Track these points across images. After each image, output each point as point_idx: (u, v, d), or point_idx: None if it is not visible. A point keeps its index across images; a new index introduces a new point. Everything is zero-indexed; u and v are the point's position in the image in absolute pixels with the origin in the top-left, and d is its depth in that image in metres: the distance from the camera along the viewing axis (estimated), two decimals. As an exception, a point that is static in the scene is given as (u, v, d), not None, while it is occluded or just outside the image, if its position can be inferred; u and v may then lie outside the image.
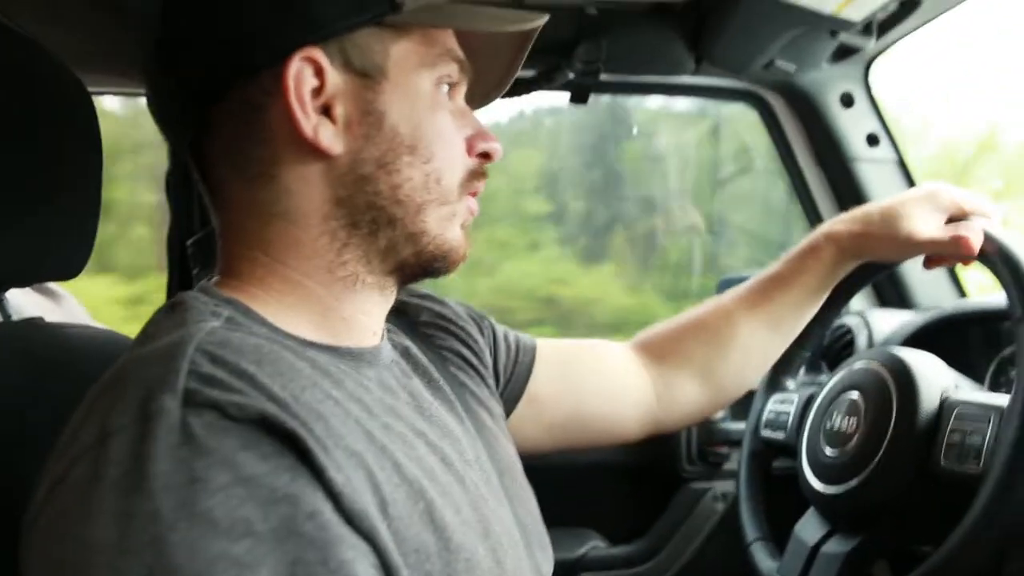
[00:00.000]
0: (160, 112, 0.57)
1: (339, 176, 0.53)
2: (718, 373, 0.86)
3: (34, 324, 0.75)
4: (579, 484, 1.29)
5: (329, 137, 0.52)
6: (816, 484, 0.85)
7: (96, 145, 0.74)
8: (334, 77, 0.52)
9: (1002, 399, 0.72)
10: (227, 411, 0.40)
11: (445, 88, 0.57)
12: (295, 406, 0.42)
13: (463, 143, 0.58)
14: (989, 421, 0.71)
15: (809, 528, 0.85)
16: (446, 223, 0.57)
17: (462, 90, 0.60)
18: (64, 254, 0.74)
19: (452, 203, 0.57)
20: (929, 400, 0.77)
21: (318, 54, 0.51)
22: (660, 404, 0.85)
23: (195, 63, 0.53)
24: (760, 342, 0.87)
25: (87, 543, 0.37)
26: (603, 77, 1.19)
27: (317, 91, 0.52)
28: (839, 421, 0.86)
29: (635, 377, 0.85)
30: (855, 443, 0.82)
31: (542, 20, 0.57)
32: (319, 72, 0.52)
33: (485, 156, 0.59)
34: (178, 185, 1.24)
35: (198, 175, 0.57)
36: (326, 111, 0.52)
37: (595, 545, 1.30)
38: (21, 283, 0.85)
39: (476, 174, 0.59)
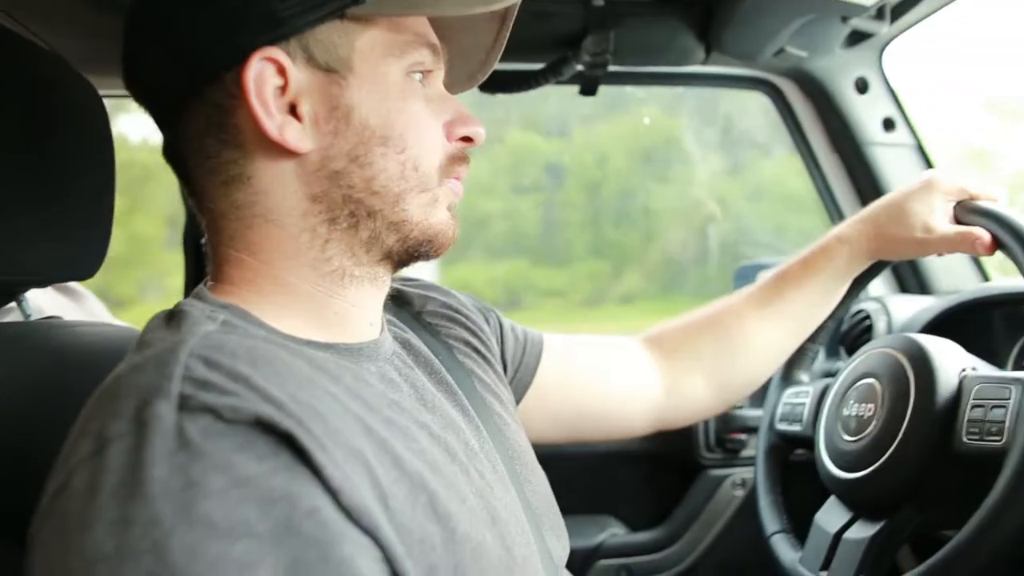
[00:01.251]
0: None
1: (312, 173, 0.53)
2: (727, 371, 0.86)
3: (53, 323, 0.76)
4: (598, 471, 1.30)
5: (296, 135, 0.52)
6: (836, 471, 0.84)
7: (108, 147, 0.75)
8: (297, 75, 0.52)
9: (1021, 374, 0.71)
10: (222, 414, 0.40)
11: (418, 76, 0.56)
12: (292, 405, 0.42)
13: (440, 128, 0.57)
14: (1010, 395, 0.70)
15: (830, 516, 0.84)
16: (429, 208, 0.56)
17: (438, 75, 0.59)
18: (80, 254, 0.75)
19: (432, 189, 0.56)
20: (947, 380, 0.77)
21: (278, 53, 0.51)
22: (668, 400, 0.85)
23: (158, 72, 0.54)
24: (771, 342, 0.87)
25: (87, 552, 0.37)
26: (611, 68, 1.18)
27: (282, 90, 0.51)
28: (856, 408, 0.85)
29: (644, 372, 0.85)
30: (873, 428, 0.81)
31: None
32: (282, 71, 0.51)
33: (467, 140, 0.58)
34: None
35: (179, 180, 0.57)
36: (293, 109, 0.52)
37: (614, 532, 1.30)
38: (39, 284, 0.86)
39: (457, 158, 0.58)
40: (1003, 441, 0.68)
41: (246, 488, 0.39)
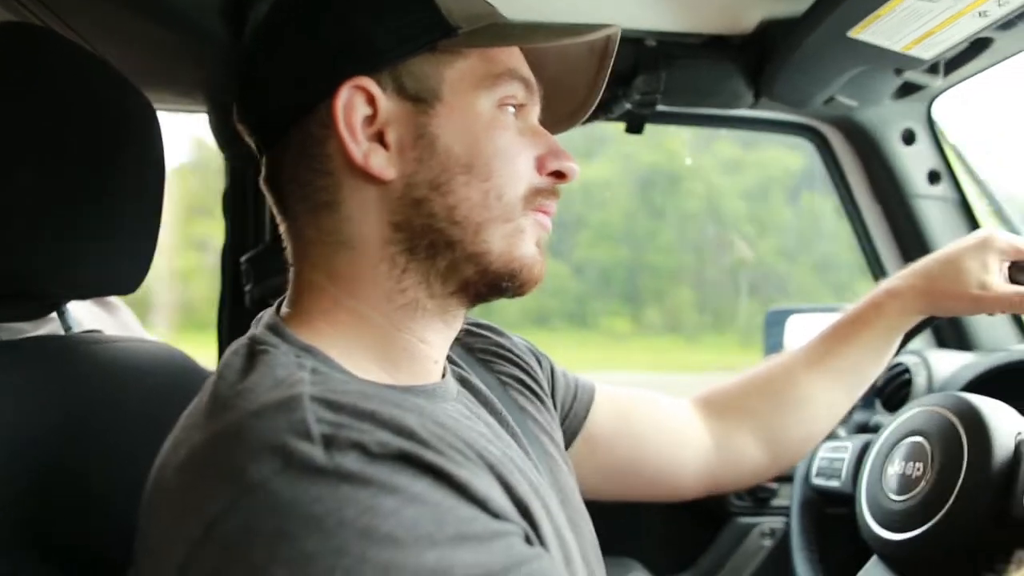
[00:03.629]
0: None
1: (394, 200, 0.53)
2: (780, 431, 0.83)
3: (96, 338, 0.76)
4: (623, 514, 1.26)
5: (381, 162, 0.52)
6: (880, 531, 0.82)
7: (160, 162, 0.76)
8: (386, 104, 0.52)
9: None
10: (369, 448, 0.41)
11: (511, 110, 0.55)
12: (422, 434, 0.43)
13: (531, 160, 0.56)
14: None
15: None
16: (513, 240, 0.55)
17: (533, 110, 0.58)
18: (125, 269, 0.75)
19: (516, 219, 0.55)
20: (1003, 443, 0.74)
21: (369, 83, 0.52)
22: (720, 460, 0.83)
23: (265, 99, 0.55)
24: (824, 399, 0.84)
25: None
26: (659, 108, 1.18)
27: (371, 119, 0.52)
28: (903, 466, 0.83)
29: (694, 431, 0.83)
30: (923, 488, 0.79)
31: (609, 30, 0.55)
32: (371, 100, 0.52)
33: (559, 176, 0.57)
34: (234, 202, 1.26)
35: (276, 210, 0.58)
36: (380, 137, 0.53)
37: None
38: (82, 296, 0.86)
39: (544, 192, 0.56)
40: None
41: (417, 504, 0.40)
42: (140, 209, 0.75)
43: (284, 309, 0.56)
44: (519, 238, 0.55)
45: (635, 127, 1.24)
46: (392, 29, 0.52)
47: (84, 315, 1.07)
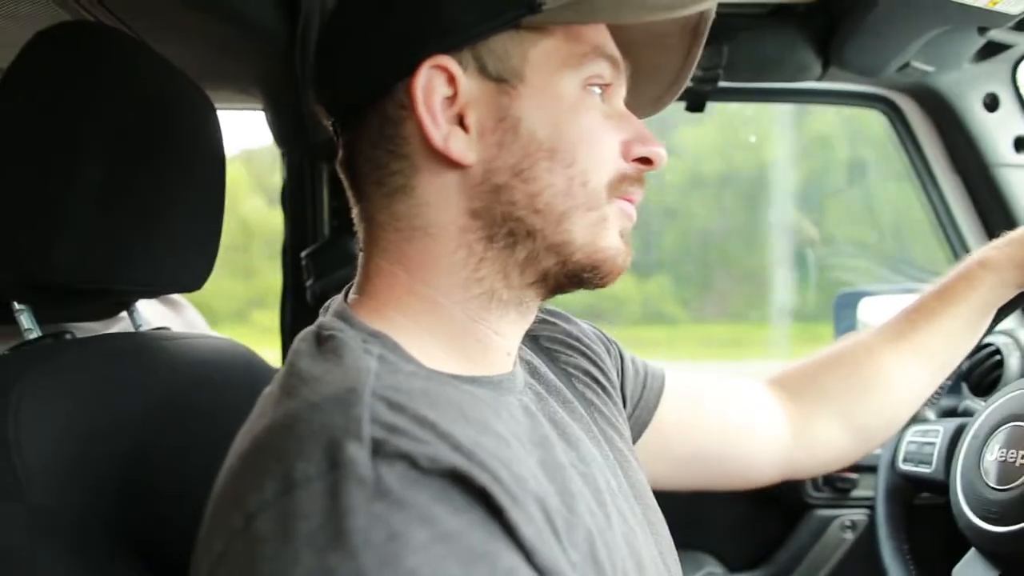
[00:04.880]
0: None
1: (474, 187, 0.51)
2: (861, 412, 0.79)
3: (164, 335, 0.76)
4: (696, 506, 1.23)
5: (461, 146, 0.50)
6: (979, 523, 0.77)
7: (221, 160, 0.75)
8: (467, 84, 0.50)
9: None
10: (418, 463, 0.38)
11: (597, 90, 0.53)
12: (480, 454, 0.40)
13: (617, 145, 0.53)
14: None
15: (972, 572, 0.77)
16: (597, 229, 0.52)
17: (619, 91, 0.55)
18: (190, 266, 0.75)
19: (600, 207, 0.52)
20: None
21: (449, 62, 0.49)
22: (798, 445, 0.79)
23: (339, 79, 0.53)
24: (908, 378, 0.79)
25: None
26: (722, 83, 1.13)
27: (451, 100, 0.50)
28: (1003, 454, 0.78)
29: (769, 415, 0.79)
30: None
31: (704, 4, 0.50)
32: (452, 80, 0.50)
33: (645, 162, 0.54)
34: (293, 198, 1.27)
35: (350, 193, 0.56)
36: (461, 120, 0.50)
37: (711, 571, 1.24)
38: (151, 294, 0.87)
39: (630, 178, 0.54)
40: None
41: (449, 543, 0.36)
42: (203, 206, 0.75)
43: (352, 296, 0.55)
44: (603, 228, 0.52)
45: (696, 105, 1.20)
46: (473, 4, 0.49)
47: (151, 314, 1.09)
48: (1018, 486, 0.75)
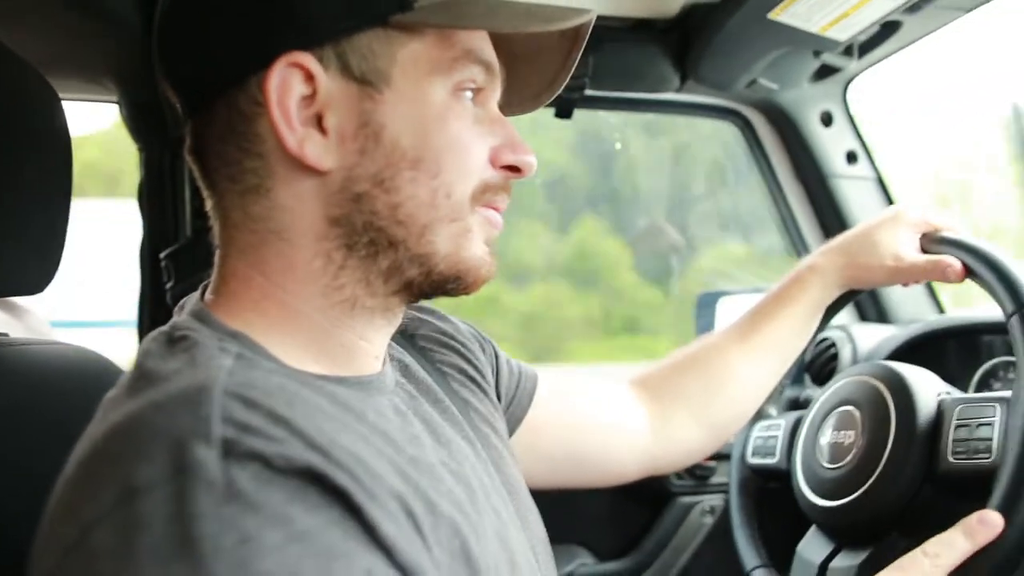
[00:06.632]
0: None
1: (333, 194, 0.48)
2: (714, 408, 0.85)
3: (2, 340, 0.71)
4: (565, 499, 1.26)
5: (317, 151, 0.47)
6: (817, 500, 0.84)
7: (67, 156, 0.71)
8: (328, 84, 0.47)
9: (1003, 393, 0.73)
10: (272, 462, 0.37)
11: (468, 94, 0.51)
12: (337, 453, 0.39)
13: (486, 152, 0.52)
14: (996, 413, 0.72)
15: (813, 547, 0.84)
16: (461, 240, 0.51)
17: (492, 95, 0.53)
18: (32, 268, 0.70)
19: (465, 218, 0.51)
20: (926, 404, 0.78)
21: (308, 59, 0.46)
22: (657, 442, 0.83)
23: (185, 63, 0.50)
24: (755, 375, 0.86)
25: None
26: (588, 92, 1.18)
27: (309, 100, 0.47)
28: (835, 436, 0.86)
29: (632, 414, 0.83)
30: (855, 455, 0.82)
31: (583, 18, 0.50)
32: (310, 78, 0.47)
33: (514, 170, 0.53)
34: (151, 196, 1.20)
35: (202, 185, 0.53)
36: (319, 122, 0.48)
37: (583, 562, 1.28)
38: (-14, 297, 0.81)
39: (495, 187, 0.52)
40: (992, 458, 0.70)
41: (304, 543, 0.35)
42: (46, 204, 0.70)
43: (208, 296, 0.52)
44: (467, 238, 0.51)
45: (564, 112, 1.24)
46: None
47: (-12, 320, 1.01)
48: (847, 463, 0.82)
